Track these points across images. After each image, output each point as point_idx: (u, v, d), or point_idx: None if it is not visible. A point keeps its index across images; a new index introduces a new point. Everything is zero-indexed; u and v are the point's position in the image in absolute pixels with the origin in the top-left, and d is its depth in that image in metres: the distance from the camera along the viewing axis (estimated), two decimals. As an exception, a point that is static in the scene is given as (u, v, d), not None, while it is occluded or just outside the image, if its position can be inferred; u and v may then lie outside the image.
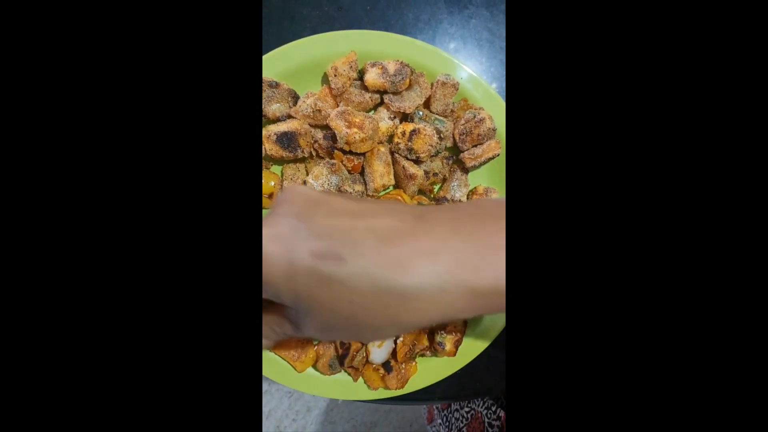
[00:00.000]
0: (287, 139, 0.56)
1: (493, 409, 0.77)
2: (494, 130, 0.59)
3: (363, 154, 0.59)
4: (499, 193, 0.64)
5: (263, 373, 0.58)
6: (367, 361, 0.59)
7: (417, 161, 0.60)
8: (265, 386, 1.56)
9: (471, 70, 0.61)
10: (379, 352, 0.58)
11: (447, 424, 0.87)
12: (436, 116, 0.60)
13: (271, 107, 0.57)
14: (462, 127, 0.60)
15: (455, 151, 0.62)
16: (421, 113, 0.60)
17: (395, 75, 0.57)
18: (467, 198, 0.62)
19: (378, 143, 0.59)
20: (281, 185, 0.60)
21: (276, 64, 0.58)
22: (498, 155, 0.60)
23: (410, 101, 0.59)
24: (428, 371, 0.62)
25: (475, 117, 0.59)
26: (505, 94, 0.64)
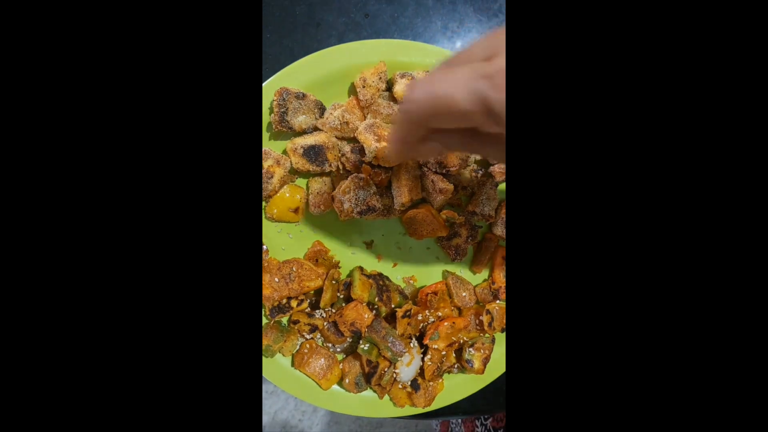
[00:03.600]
0: (314, 153, 0.55)
1: None
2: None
3: (391, 168, 0.58)
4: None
5: (289, 391, 0.57)
6: (395, 380, 0.58)
7: (446, 175, 0.58)
8: (271, 387, 1.55)
9: (502, 82, 0.59)
10: (407, 370, 0.57)
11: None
12: (466, 129, 0.59)
13: (297, 119, 0.56)
14: (493, 140, 0.58)
15: (484, 163, 0.61)
16: (450, 125, 0.59)
17: (425, 86, 0.55)
18: (496, 213, 0.61)
19: (406, 156, 0.57)
20: (306, 199, 0.58)
21: (302, 73, 0.56)
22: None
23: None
24: (455, 388, 0.61)
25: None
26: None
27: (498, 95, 0.25)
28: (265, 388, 1.57)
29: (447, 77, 0.27)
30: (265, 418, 1.54)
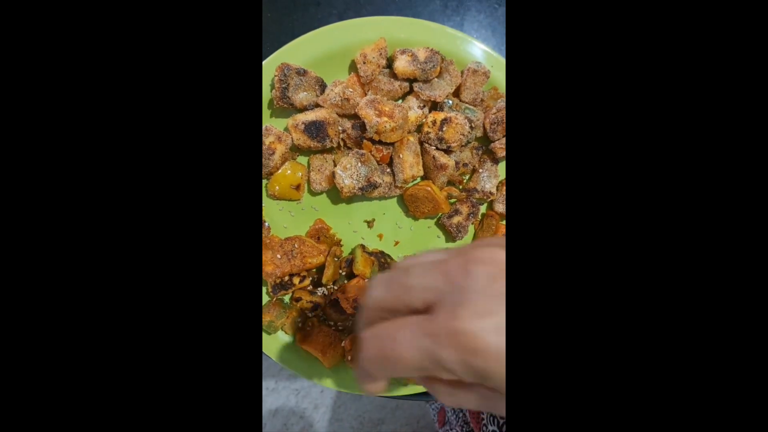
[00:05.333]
0: (315, 129, 0.55)
1: None
2: (526, 119, 0.58)
3: (392, 144, 0.58)
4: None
5: (291, 369, 0.57)
6: (398, 356, 0.58)
7: (447, 151, 0.58)
8: (272, 384, 1.54)
9: (501, 58, 0.59)
10: (410, 346, 0.57)
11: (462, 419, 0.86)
12: (467, 105, 0.59)
13: (299, 96, 0.56)
14: (493, 116, 0.58)
15: (485, 141, 0.61)
16: (450, 102, 0.59)
17: (425, 62, 0.56)
18: (497, 189, 0.61)
19: (407, 133, 0.58)
20: (308, 176, 0.58)
21: (303, 51, 0.56)
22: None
23: (440, 89, 0.57)
24: (458, 366, 0.60)
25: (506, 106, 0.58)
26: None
27: (446, 353, 0.24)
28: (266, 385, 1.56)
29: (391, 335, 0.26)
30: (267, 415, 1.53)
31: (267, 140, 0.55)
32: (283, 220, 0.59)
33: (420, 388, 0.59)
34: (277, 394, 1.57)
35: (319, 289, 0.58)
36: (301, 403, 1.57)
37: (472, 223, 0.62)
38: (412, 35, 0.58)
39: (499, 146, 0.59)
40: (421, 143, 0.58)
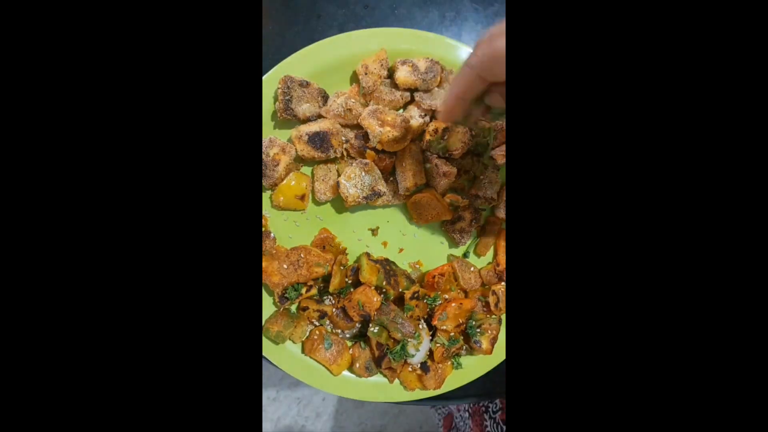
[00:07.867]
0: (319, 139, 0.55)
1: None
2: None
3: (395, 153, 0.59)
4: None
5: (297, 377, 0.57)
6: (405, 362, 0.58)
7: (449, 159, 0.59)
8: (273, 393, 1.54)
9: (500, 67, 0.60)
10: (417, 353, 0.57)
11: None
12: (467, 113, 0.60)
13: (302, 107, 0.56)
14: (493, 123, 0.59)
15: (485, 148, 0.62)
16: (450, 111, 0.60)
17: (426, 72, 0.57)
18: (498, 196, 0.62)
19: (410, 142, 0.58)
20: (312, 187, 0.59)
21: (305, 63, 0.57)
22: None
23: (441, 98, 0.58)
24: (464, 370, 0.61)
25: (504, 113, 0.59)
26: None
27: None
28: (268, 394, 1.55)
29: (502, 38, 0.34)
30: (269, 425, 1.53)
31: (271, 152, 0.55)
32: (288, 230, 0.60)
33: (423, 394, 0.59)
34: (278, 404, 1.56)
35: (326, 298, 0.59)
36: (303, 411, 1.57)
37: (475, 229, 0.63)
38: (412, 46, 0.59)
39: (500, 153, 0.60)
40: (423, 151, 0.59)
